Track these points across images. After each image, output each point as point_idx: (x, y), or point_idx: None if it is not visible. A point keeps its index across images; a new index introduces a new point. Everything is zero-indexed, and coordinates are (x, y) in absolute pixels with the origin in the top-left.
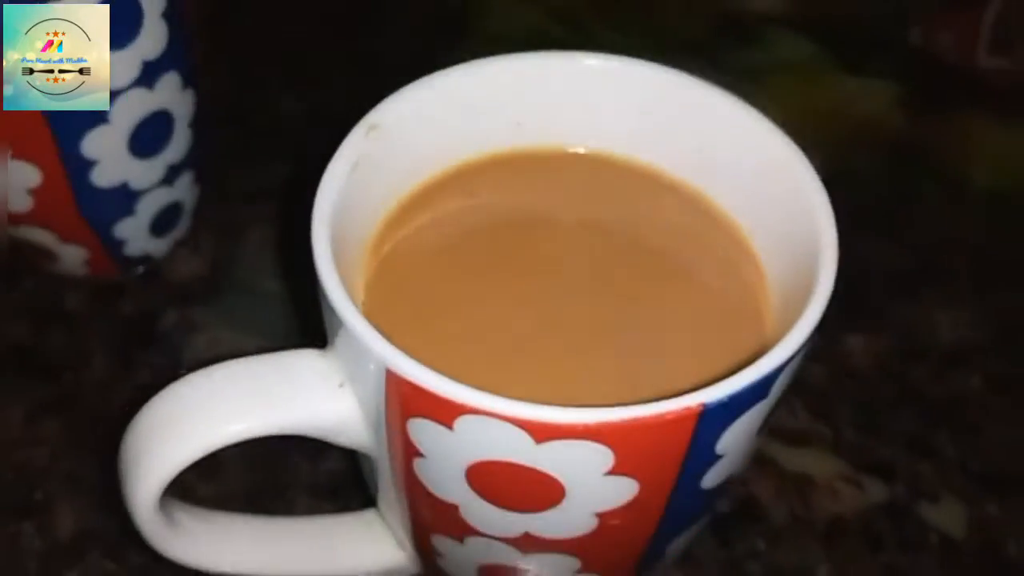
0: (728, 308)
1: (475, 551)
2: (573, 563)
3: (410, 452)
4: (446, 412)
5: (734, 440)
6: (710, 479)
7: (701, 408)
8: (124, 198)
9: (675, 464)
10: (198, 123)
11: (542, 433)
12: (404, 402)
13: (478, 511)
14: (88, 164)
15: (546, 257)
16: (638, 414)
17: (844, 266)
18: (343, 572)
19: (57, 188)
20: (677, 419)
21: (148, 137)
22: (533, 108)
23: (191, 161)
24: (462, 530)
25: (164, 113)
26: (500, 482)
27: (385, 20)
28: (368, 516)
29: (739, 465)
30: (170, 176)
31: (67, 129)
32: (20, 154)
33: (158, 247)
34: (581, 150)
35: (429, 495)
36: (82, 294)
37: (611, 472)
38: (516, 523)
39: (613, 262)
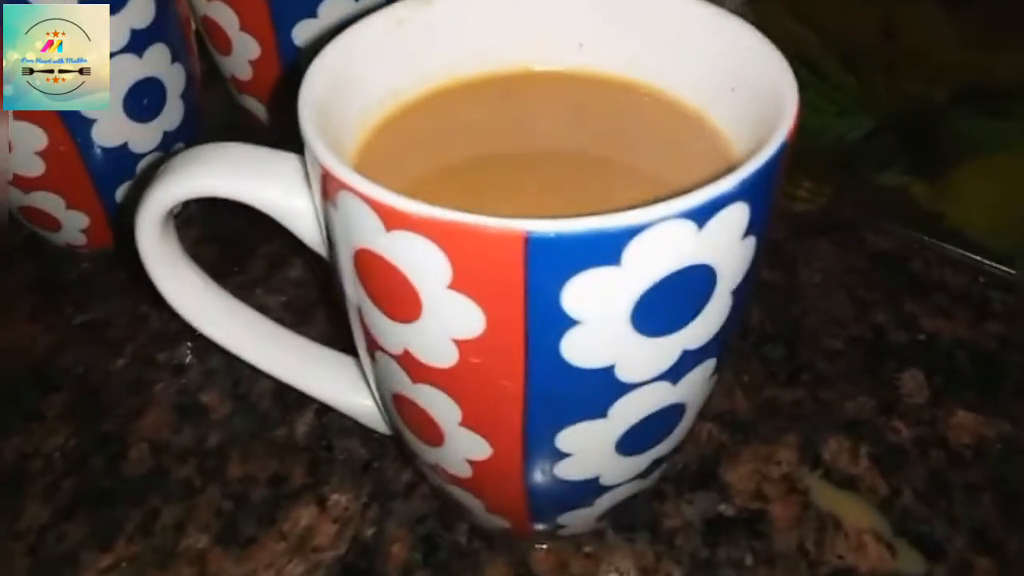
0: (693, 164)
1: (384, 373)
2: (454, 409)
3: (331, 245)
4: (331, 188)
5: (590, 306)
6: (574, 350)
7: (525, 235)
8: (126, 159)
9: (516, 302)
10: (189, 96)
11: (389, 218)
12: (320, 185)
13: (370, 313)
14: (87, 122)
15: (522, 137)
16: (466, 220)
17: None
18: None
19: (63, 147)
20: (500, 237)
21: (141, 101)
22: (495, 33)
23: (185, 131)
24: (371, 343)
25: (155, 80)
26: (371, 274)
27: None
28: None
29: (626, 361)
30: (166, 142)
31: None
32: (21, 114)
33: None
34: (539, 68)
35: (347, 299)
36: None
37: (453, 286)
38: (395, 334)
39: (583, 140)
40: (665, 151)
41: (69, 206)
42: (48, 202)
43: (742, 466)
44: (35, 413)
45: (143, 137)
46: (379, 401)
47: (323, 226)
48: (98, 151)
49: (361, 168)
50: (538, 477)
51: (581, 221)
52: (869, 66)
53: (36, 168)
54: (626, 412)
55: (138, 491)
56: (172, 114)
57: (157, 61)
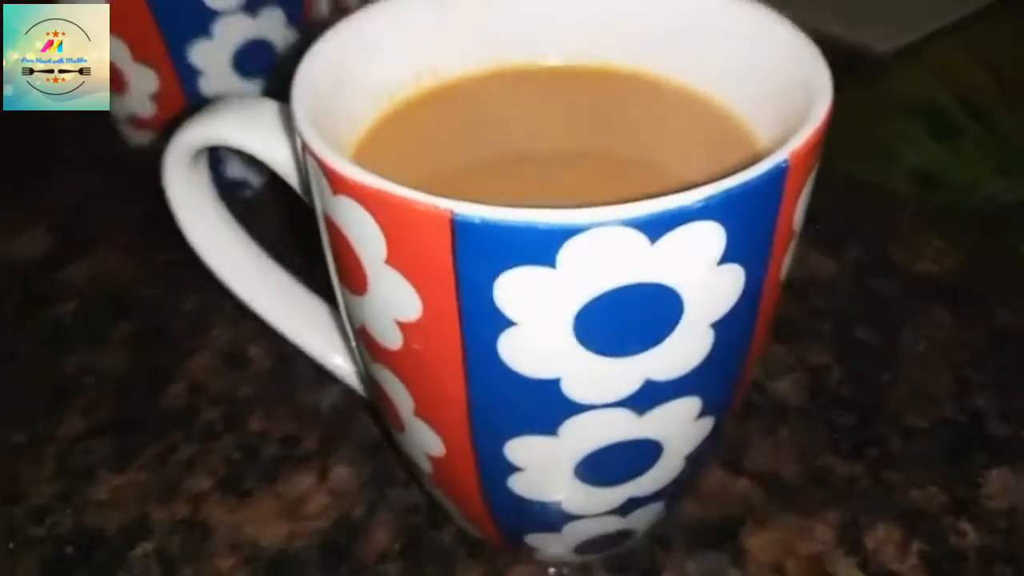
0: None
1: (356, 348)
2: (406, 396)
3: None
4: (300, 146)
5: (525, 307)
6: (513, 353)
7: (451, 216)
8: None
9: (448, 288)
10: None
11: (334, 181)
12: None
13: (336, 283)
14: (196, 73)
15: (527, 146)
16: (395, 192)
17: None
18: (286, 335)
19: (173, 93)
20: (426, 215)
21: (251, 59)
22: (504, 24)
23: None
24: (346, 316)
25: (265, 42)
26: (331, 240)
27: None
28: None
29: (573, 376)
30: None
31: (177, 38)
32: (140, 56)
33: (250, 176)
34: (555, 61)
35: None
36: None
37: (389, 262)
38: (353, 307)
39: (591, 141)
40: (692, 149)
41: None
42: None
43: (768, 533)
44: (103, 335)
45: (248, 92)
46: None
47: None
48: (203, 100)
49: (378, 149)
50: (494, 487)
51: (511, 211)
52: None
53: (149, 110)
54: (579, 434)
55: (165, 425)
56: (282, 76)
57: (270, 23)
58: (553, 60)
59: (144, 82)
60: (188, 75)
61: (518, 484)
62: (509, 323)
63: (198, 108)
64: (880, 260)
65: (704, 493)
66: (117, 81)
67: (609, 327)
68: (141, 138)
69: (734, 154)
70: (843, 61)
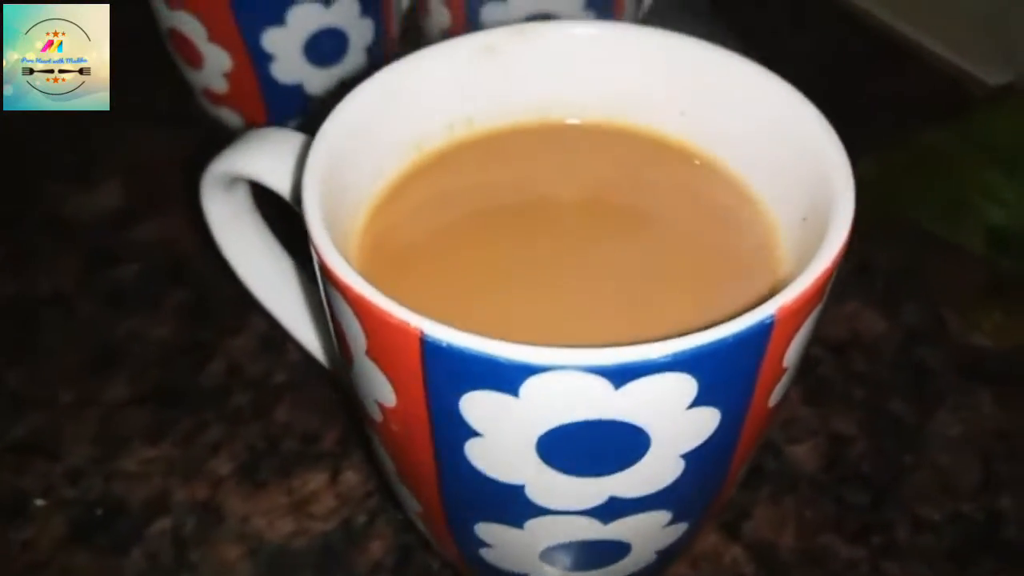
0: (737, 258)
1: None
2: (389, 460)
3: None
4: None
5: (490, 424)
6: (479, 458)
7: (420, 334)
8: (298, 97)
9: (419, 392)
10: (374, 49)
11: (324, 271)
12: None
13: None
14: (268, 58)
15: (546, 215)
16: (372, 299)
17: None
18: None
19: (246, 74)
20: (399, 328)
21: (322, 48)
22: (546, 78)
23: None
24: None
25: (338, 31)
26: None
27: None
28: None
29: (537, 487)
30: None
31: (250, 24)
32: (214, 38)
33: None
34: (576, 121)
35: None
36: None
37: (368, 354)
38: (350, 371)
39: (613, 219)
40: (711, 224)
41: (247, 124)
42: (230, 118)
43: None
44: (157, 302)
45: (318, 80)
46: None
47: None
48: (274, 84)
49: (400, 204)
50: (468, 553)
51: (476, 340)
52: None
53: (222, 87)
54: (544, 531)
55: (200, 402)
56: (352, 63)
57: (344, 13)
58: (594, 118)
59: (218, 61)
60: (260, 59)
61: (491, 555)
62: (475, 433)
63: (272, 88)
64: (933, 327)
65: (696, 555)
66: (194, 56)
67: (572, 452)
68: (216, 111)
69: (757, 239)
70: (939, 92)
